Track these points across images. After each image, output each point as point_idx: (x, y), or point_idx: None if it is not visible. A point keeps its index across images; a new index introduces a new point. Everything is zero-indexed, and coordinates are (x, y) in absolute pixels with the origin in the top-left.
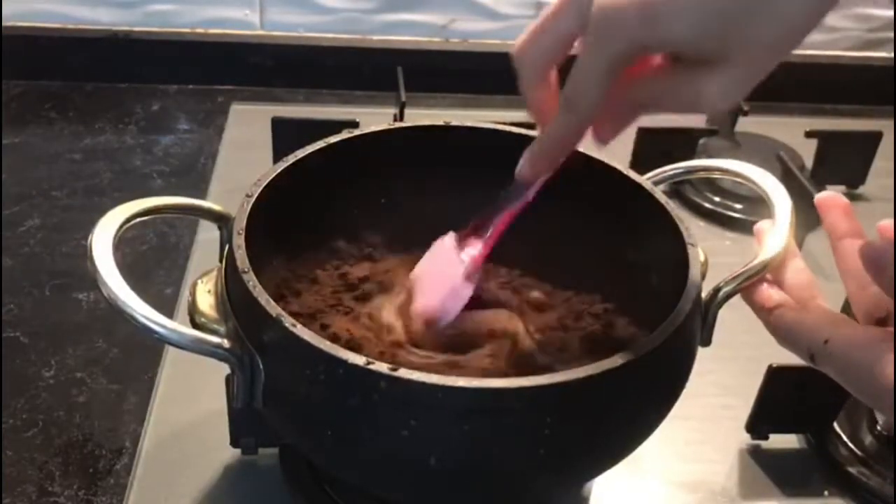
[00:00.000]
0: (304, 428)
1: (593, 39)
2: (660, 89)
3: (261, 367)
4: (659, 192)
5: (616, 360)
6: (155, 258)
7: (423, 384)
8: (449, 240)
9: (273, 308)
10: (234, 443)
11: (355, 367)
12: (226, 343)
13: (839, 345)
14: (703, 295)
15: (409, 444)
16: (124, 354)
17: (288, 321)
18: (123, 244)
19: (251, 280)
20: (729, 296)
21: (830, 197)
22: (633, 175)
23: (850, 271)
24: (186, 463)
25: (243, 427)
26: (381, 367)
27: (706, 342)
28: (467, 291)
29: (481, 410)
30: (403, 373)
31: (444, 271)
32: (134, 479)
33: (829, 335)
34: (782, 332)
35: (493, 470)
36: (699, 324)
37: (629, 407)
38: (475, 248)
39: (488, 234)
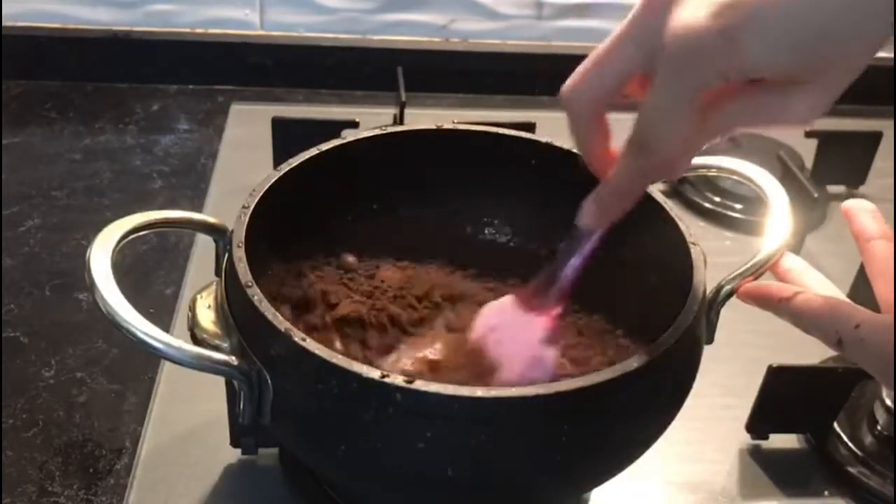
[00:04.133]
0: (317, 443)
1: (670, 72)
2: (738, 113)
3: (269, 382)
4: (657, 192)
5: (632, 364)
6: (155, 258)
7: (440, 395)
8: (510, 302)
9: (281, 322)
10: (234, 443)
11: (370, 380)
12: (233, 360)
13: (872, 329)
14: (708, 293)
15: (427, 457)
16: (124, 354)
17: (297, 335)
18: (123, 244)
19: (256, 294)
20: (731, 293)
21: (857, 202)
22: None
23: (880, 272)
24: (186, 463)
25: (243, 427)
26: (397, 379)
27: (710, 340)
28: (552, 357)
29: (498, 420)
30: (419, 384)
31: (521, 338)
32: (134, 479)
33: (860, 320)
34: (808, 317)
35: (512, 479)
36: (705, 323)
37: (644, 408)
38: (547, 308)
39: (559, 292)
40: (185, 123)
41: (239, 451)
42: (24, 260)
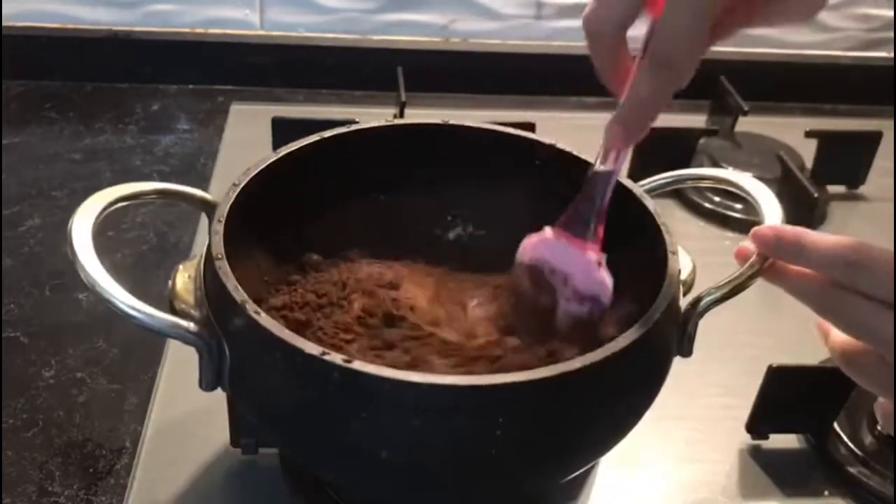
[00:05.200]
0: (265, 415)
1: None
2: (745, 24)
3: (227, 353)
4: (648, 199)
5: (572, 364)
6: (155, 258)
7: (375, 377)
8: (552, 234)
9: (239, 294)
10: (235, 443)
11: (311, 356)
12: (193, 327)
13: None
14: (685, 304)
15: (361, 436)
16: (124, 354)
17: (252, 308)
18: (123, 245)
19: (222, 266)
20: (711, 305)
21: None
22: (623, 181)
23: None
24: (186, 463)
25: (243, 427)
26: (336, 357)
27: (686, 352)
28: (609, 279)
29: (432, 407)
30: (357, 364)
31: (580, 264)
32: (134, 479)
33: None
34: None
35: (444, 467)
36: (673, 333)
37: (587, 413)
38: (586, 239)
39: (596, 220)
40: (185, 123)
41: (239, 450)
42: (24, 260)
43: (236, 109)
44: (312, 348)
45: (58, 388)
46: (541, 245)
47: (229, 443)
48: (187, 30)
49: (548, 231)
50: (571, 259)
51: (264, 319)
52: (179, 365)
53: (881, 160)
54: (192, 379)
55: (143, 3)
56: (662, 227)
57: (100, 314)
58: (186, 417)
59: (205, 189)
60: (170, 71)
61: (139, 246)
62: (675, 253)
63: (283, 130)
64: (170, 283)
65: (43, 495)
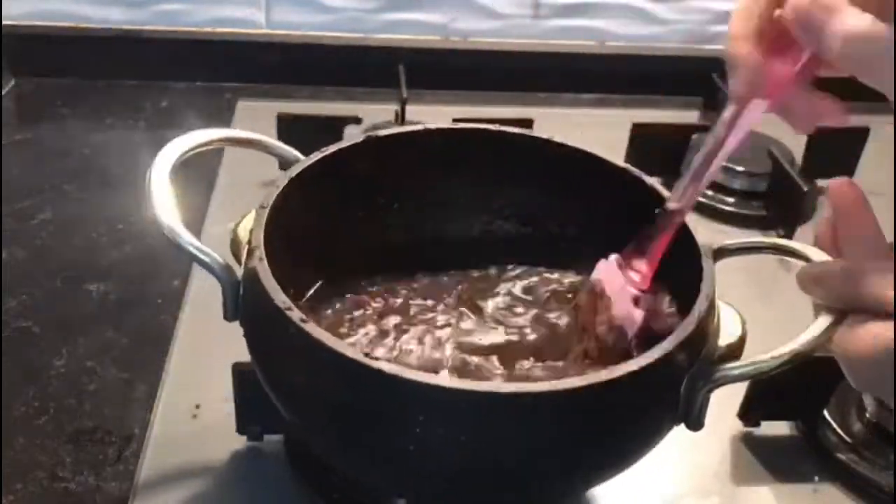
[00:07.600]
0: (304, 415)
1: None
2: None
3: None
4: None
5: (628, 366)
6: (162, 251)
7: (411, 382)
8: (617, 259)
9: (282, 301)
10: (240, 430)
11: (356, 362)
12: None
13: None
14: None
15: (394, 436)
16: (133, 344)
17: (297, 316)
18: (132, 238)
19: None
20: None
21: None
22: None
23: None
24: (193, 449)
25: (249, 415)
26: (382, 364)
27: (698, 425)
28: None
29: (472, 414)
30: (385, 366)
31: (621, 293)
32: (142, 465)
33: None
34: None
35: (484, 473)
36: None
37: (625, 420)
38: (640, 269)
39: (650, 257)
40: (193, 119)
41: (245, 437)
42: (36, 252)
43: (243, 106)
44: (356, 353)
45: (68, 377)
46: (604, 267)
47: (235, 430)
48: (195, 29)
49: (613, 256)
50: (617, 286)
51: (313, 329)
52: (187, 354)
53: (868, 155)
54: (199, 367)
55: (152, 2)
56: (694, 234)
57: (109, 305)
58: (193, 405)
59: (212, 184)
60: (178, 69)
61: (146, 240)
62: (708, 258)
63: (288, 126)
64: (231, 234)
65: (54, 480)
